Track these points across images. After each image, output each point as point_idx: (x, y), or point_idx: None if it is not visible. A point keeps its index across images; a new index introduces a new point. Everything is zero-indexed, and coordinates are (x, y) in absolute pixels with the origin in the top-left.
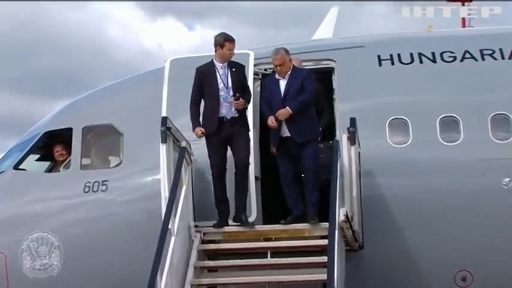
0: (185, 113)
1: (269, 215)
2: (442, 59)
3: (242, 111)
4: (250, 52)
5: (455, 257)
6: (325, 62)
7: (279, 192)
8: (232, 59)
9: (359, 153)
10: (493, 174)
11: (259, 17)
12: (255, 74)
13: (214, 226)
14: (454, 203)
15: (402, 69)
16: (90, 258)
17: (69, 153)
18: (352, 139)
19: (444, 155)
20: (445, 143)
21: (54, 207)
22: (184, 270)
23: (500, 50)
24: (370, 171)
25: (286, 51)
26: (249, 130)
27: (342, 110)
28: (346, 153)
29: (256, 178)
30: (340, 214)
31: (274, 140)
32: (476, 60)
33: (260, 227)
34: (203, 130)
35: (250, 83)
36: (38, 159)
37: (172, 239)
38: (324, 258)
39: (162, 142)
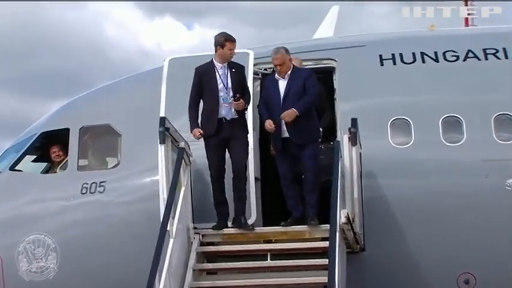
0: (184, 113)
1: (269, 217)
2: (445, 59)
3: (242, 113)
4: (249, 51)
5: (458, 259)
6: (325, 62)
7: (279, 194)
8: (231, 59)
9: (360, 154)
10: (496, 175)
11: (259, 17)
12: (255, 73)
13: (213, 228)
14: (457, 204)
15: (404, 69)
16: (87, 261)
17: (66, 154)
18: (354, 140)
19: (447, 155)
20: (448, 144)
21: (50, 208)
22: (183, 272)
23: (504, 49)
24: (372, 172)
25: (286, 51)
26: (247, 132)
27: (343, 110)
28: (347, 154)
29: (256, 179)
30: (341, 216)
31: (274, 141)
32: (479, 59)
33: (260, 229)
34: (201, 131)
35: (250, 82)
36: (34, 160)
37: (171, 241)
38: (325, 261)
39: (160, 143)
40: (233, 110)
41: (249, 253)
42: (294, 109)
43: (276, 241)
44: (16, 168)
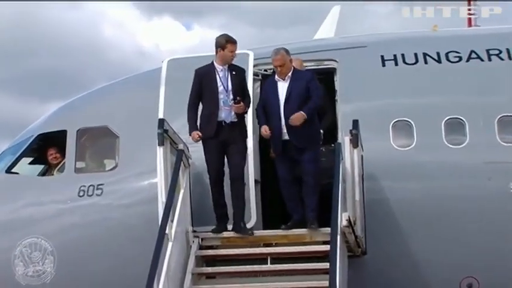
0: (183, 115)
1: (269, 220)
2: (448, 59)
3: (241, 116)
4: (249, 52)
5: (461, 264)
6: (326, 63)
7: (279, 196)
8: (232, 61)
9: (362, 156)
10: (500, 178)
11: (259, 17)
12: (255, 74)
13: (212, 231)
14: (460, 207)
15: (406, 70)
16: (84, 264)
17: (63, 156)
18: (355, 142)
19: (449, 158)
20: (451, 146)
21: (47, 211)
22: (181, 276)
23: (507, 50)
24: (373, 174)
25: (287, 52)
26: (246, 136)
27: (344, 112)
28: (349, 156)
29: (256, 182)
30: (342, 219)
31: (274, 144)
32: (482, 60)
33: (260, 232)
34: (200, 134)
35: (249, 83)
36: (31, 163)
37: (170, 244)
38: (326, 265)
39: (159, 145)
40: (233, 113)
41: (249, 257)
42: (302, 112)
43: (276, 245)
44: (12, 170)
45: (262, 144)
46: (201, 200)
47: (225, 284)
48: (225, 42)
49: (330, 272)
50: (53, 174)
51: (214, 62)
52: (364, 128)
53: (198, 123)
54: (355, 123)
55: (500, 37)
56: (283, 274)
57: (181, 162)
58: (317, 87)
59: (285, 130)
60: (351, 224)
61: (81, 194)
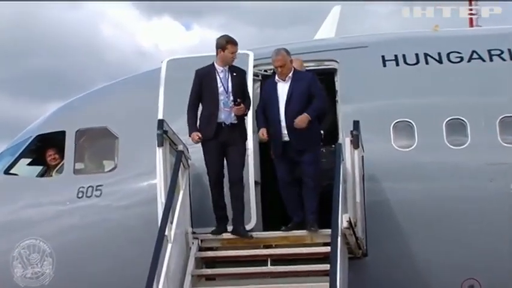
0: (182, 115)
1: (269, 221)
2: (449, 60)
3: (241, 118)
4: (249, 52)
5: (462, 265)
6: (327, 63)
7: (280, 198)
8: (233, 63)
9: (362, 157)
10: (501, 179)
11: (259, 17)
12: (255, 75)
13: (212, 233)
14: (461, 208)
15: (407, 70)
16: (83, 266)
17: (62, 157)
18: (356, 142)
19: (451, 159)
20: (452, 147)
21: (46, 213)
22: (181, 278)
23: (509, 50)
24: (374, 175)
25: (287, 52)
26: (246, 139)
27: (345, 113)
28: (349, 157)
29: (256, 183)
30: (343, 220)
31: (274, 145)
32: (484, 60)
33: (260, 234)
34: (200, 135)
35: (249, 84)
36: (29, 164)
37: (169, 246)
38: (326, 266)
39: (158, 146)
40: (233, 114)
41: (249, 258)
42: (306, 114)
43: (277, 246)
44: (11, 171)
45: (263, 145)
46: (200, 201)
47: (225, 285)
48: (225, 43)
49: (331, 274)
50: (51, 176)
51: (215, 63)
52: (364, 128)
53: (198, 124)
54: (356, 124)
55: (502, 37)
56: (284, 276)
57: (181, 163)
58: (320, 89)
59: (285, 131)
60: (351, 225)
61: (80, 195)
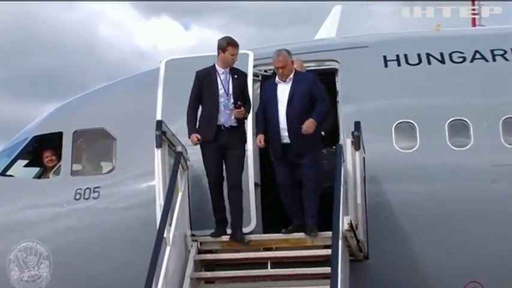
0: (181, 116)
1: (269, 223)
2: (451, 60)
3: (241, 121)
4: (249, 52)
5: (465, 268)
6: (328, 63)
7: (280, 200)
8: (234, 65)
9: (364, 158)
10: (504, 180)
11: (258, 17)
12: (255, 75)
13: (211, 235)
14: (464, 210)
15: (409, 71)
16: (81, 268)
17: (59, 158)
18: (357, 144)
19: (453, 160)
20: (454, 148)
21: (43, 215)
22: (180, 281)
23: None
24: (376, 177)
25: (289, 53)
26: (245, 142)
27: (346, 113)
28: (350, 159)
29: (255, 185)
30: (344, 222)
31: (273, 148)
32: (487, 61)
33: (260, 236)
34: (199, 137)
35: (249, 84)
36: (26, 165)
37: (168, 248)
38: (327, 269)
39: (156, 147)
40: (233, 117)
41: (249, 261)
42: (312, 120)
43: (277, 249)
44: (7, 173)
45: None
46: (199, 203)
47: None
48: (226, 45)
49: (331, 277)
50: (48, 177)
51: (216, 65)
52: (366, 129)
53: (197, 126)
54: (357, 124)
55: (504, 37)
56: (284, 279)
57: (180, 165)
58: (322, 91)
59: (285, 134)
60: (352, 227)
61: (78, 197)
